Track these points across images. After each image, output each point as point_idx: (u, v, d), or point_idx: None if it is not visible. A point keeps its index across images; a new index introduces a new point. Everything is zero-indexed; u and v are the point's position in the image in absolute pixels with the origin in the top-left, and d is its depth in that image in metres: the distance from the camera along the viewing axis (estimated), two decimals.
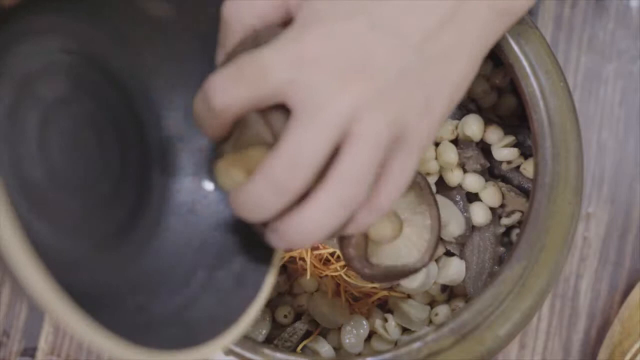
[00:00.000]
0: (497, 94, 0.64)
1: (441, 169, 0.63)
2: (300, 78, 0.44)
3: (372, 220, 0.47)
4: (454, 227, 0.62)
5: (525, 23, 0.58)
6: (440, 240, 0.59)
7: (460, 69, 0.48)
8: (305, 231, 0.45)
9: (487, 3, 0.49)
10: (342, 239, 0.54)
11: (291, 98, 0.44)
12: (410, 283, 0.61)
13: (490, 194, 0.63)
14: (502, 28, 0.51)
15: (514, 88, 0.60)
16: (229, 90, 0.44)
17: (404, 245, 0.57)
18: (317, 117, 0.44)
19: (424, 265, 0.55)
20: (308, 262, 0.62)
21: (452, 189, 0.63)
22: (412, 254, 0.56)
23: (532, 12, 0.73)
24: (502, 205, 0.63)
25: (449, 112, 0.49)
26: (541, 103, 0.58)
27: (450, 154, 0.62)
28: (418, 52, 0.46)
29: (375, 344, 0.62)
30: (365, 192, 0.45)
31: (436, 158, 0.63)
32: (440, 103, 0.47)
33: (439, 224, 0.56)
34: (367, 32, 0.45)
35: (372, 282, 0.60)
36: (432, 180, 0.63)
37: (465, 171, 0.63)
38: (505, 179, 0.63)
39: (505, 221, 0.63)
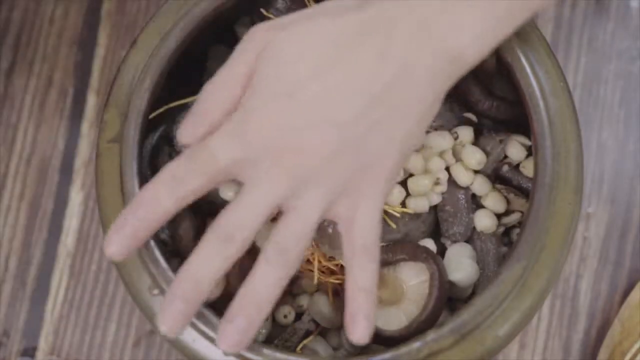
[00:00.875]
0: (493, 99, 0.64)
1: (453, 168, 0.63)
2: (242, 160, 0.50)
3: (361, 262, 0.52)
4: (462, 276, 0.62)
5: (525, 23, 0.58)
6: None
7: (404, 128, 0.51)
8: (256, 297, 0.50)
9: (432, 57, 0.51)
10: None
11: (238, 176, 0.51)
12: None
13: (494, 200, 0.62)
14: (455, 74, 0.52)
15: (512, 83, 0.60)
16: (187, 177, 0.50)
17: (397, 312, 0.58)
18: (253, 194, 0.50)
19: (404, 338, 0.56)
20: (315, 265, 0.62)
21: (460, 188, 0.63)
22: (399, 322, 0.58)
23: None
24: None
25: (404, 161, 0.53)
26: (541, 103, 0.58)
27: (476, 154, 0.62)
28: (350, 129, 0.50)
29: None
30: (301, 252, 0.51)
31: (460, 160, 0.63)
32: (387, 162, 0.52)
33: (438, 301, 0.58)
34: (298, 118, 0.50)
35: None
36: (441, 188, 0.63)
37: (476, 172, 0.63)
38: (504, 180, 0.63)
39: (505, 221, 0.63)
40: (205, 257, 0.50)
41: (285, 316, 0.63)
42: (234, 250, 0.50)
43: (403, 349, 0.55)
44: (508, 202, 0.63)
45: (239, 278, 0.55)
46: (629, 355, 0.66)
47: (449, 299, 0.62)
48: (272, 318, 0.63)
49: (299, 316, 0.63)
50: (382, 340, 0.59)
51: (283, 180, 0.51)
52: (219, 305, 0.61)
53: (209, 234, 0.51)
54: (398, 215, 0.61)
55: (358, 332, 0.51)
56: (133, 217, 0.51)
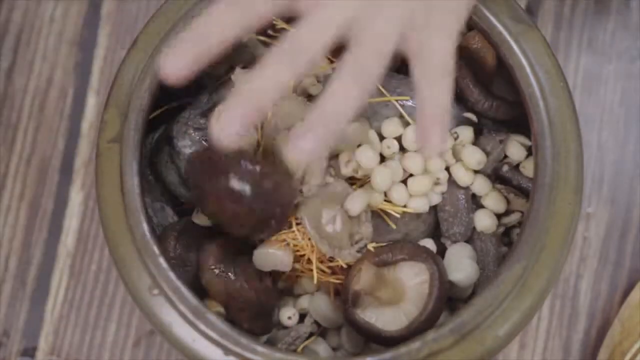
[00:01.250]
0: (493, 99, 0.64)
1: (453, 168, 0.63)
2: None
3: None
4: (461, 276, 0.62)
5: (525, 23, 0.58)
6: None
7: None
8: (329, 114, 0.48)
9: None
10: (349, 274, 0.58)
11: (300, 4, 0.50)
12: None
13: (494, 199, 0.62)
14: None
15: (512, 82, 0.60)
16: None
17: (397, 312, 0.58)
18: (323, 13, 0.49)
19: (404, 338, 0.56)
20: (314, 264, 0.62)
21: (460, 188, 0.63)
22: (399, 322, 0.58)
23: (532, 12, 0.73)
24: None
25: (465, 7, 0.53)
26: (541, 103, 0.58)
27: (476, 154, 0.62)
28: None
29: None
30: (375, 74, 0.49)
31: (460, 160, 0.63)
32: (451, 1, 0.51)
33: (438, 301, 0.58)
34: None
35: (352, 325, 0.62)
36: (441, 188, 0.63)
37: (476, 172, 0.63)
38: (504, 180, 0.63)
39: (505, 221, 0.63)
40: (272, 68, 0.49)
41: (289, 317, 0.63)
42: (301, 63, 0.49)
43: (403, 349, 0.55)
44: (508, 202, 0.63)
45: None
46: (629, 355, 0.66)
47: (449, 299, 0.62)
48: (277, 320, 0.63)
49: (302, 318, 0.63)
50: (382, 340, 0.59)
51: (340, 10, 0.49)
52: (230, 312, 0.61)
53: (277, 48, 0.49)
54: (398, 215, 0.61)
55: (434, 140, 0.50)
56: (195, 33, 0.49)
